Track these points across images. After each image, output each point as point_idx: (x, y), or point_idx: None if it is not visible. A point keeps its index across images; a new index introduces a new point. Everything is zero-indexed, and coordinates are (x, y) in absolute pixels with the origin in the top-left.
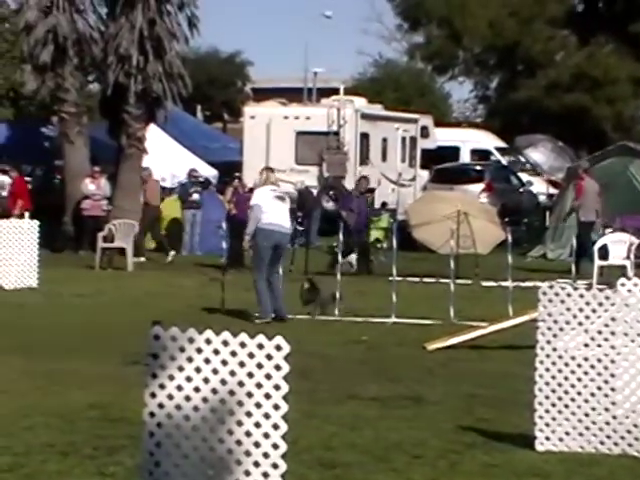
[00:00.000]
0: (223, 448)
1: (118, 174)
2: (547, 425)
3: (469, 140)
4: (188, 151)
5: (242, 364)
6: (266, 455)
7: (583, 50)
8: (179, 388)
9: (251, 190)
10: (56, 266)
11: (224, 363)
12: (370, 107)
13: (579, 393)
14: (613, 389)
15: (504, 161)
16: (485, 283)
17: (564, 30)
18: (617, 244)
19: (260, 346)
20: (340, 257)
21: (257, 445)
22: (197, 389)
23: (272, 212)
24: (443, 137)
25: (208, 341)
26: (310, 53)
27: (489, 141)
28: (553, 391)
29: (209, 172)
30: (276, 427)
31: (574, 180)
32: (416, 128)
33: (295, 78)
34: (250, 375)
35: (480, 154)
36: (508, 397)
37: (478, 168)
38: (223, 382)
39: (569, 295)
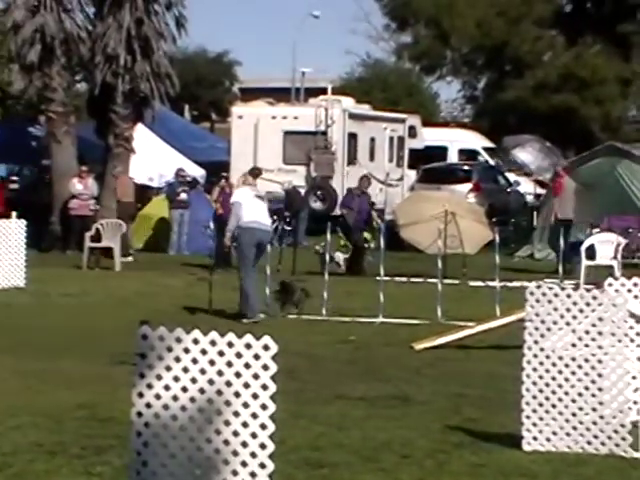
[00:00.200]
0: (210, 448)
1: (105, 174)
2: (534, 425)
3: (457, 140)
4: (176, 151)
5: (230, 364)
6: (253, 455)
7: (571, 50)
8: (167, 388)
9: None
10: (43, 266)
11: (212, 363)
12: (358, 107)
13: (566, 393)
14: (600, 389)
15: (492, 161)
16: (472, 283)
17: (552, 30)
18: (604, 244)
19: (248, 346)
20: (327, 257)
21: (245, 445)
22: (185, 389)
23: (252, 210)
24: (431, 137)
25: (196, 341)
26: (298, 53)
27: (477, 141)
28: (540, 391)
29: (197, 172)
30: (264, 427)
31: (554, 178)
32: (404, 128)
33: (283, 78)
34: (238, 375)
35: (468, 154)
36: (495, 397)
37: (466, 168)
38: (211, 382)
39: (556, 295)
